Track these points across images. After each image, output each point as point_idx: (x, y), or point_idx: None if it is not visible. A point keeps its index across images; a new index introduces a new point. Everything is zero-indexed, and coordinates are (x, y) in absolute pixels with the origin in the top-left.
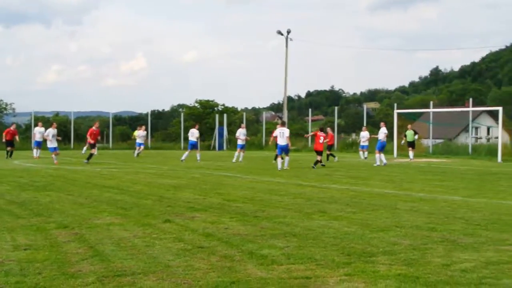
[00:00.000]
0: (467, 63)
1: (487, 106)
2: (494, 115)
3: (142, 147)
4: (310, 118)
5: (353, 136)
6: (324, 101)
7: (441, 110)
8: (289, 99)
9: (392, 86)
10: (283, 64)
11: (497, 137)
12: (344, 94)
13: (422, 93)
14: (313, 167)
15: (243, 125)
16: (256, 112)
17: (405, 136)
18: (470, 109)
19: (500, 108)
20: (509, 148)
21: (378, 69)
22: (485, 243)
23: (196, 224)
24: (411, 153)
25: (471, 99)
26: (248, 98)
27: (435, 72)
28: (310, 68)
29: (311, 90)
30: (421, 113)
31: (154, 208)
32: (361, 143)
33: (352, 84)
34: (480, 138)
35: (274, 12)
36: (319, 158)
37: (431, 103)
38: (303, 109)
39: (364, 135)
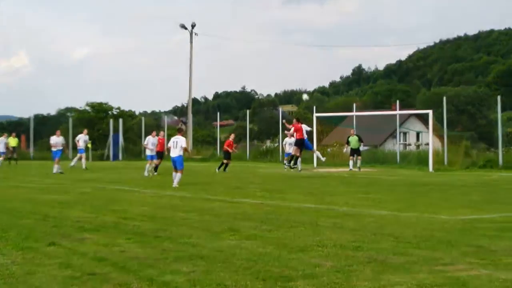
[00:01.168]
0: (393, 61)
1: (416, 109)
2: (424, 119)
3: (83, 154)
4: (218, 123)
5: (268, 143)
6: (235, 104)
7: (366, 114)
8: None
9: (310, 87)
10: (187, 62)
11: (427, 144)
12: (257, 96)
13: (344, 94)
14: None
15: (154, 132)
16: (156, 116)
17: (348, 143)
18: (398, 112)
19: (430, 111)
20: (441, 155)
21: (295, 68)
22: (417, 263)
23: (86, 247)
24: (358, 161)
25: (398, 101)
26: (148, 100)
27: (358, 71)
28: (219, 66)
29: (220, 91)
30: (344, 117)
31: (37, 228)
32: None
33: (266, 85)
34: (409, 144)
35: (177, 3)
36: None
37: (354, 105)
38: (211, 113)
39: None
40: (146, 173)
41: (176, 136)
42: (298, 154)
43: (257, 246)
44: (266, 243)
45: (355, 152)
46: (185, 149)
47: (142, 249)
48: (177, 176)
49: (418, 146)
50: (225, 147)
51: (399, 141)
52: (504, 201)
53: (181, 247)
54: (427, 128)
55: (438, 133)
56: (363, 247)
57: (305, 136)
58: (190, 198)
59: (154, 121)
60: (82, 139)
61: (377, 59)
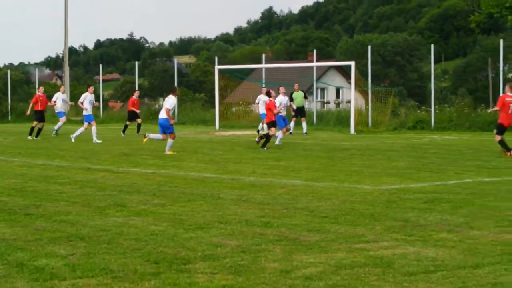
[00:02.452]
0: (310, 3)
1: (336, 60)
2: (345, 72)
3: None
4: (101, 77)
5: (161, 101)
6: (121, 55)
7: (277, 66)
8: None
9: (212, 34)
10: (62, 4)
11: (349, 101)
12: (147, 45)
13: (251, 42)
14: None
15: (62, 87)
16: (25, 69)
17: (292, 100)
18: (315, 64)
19: (352, 63)
20: (365, 115)
21: (193, 12)
22: (335, 240)
23: None
24: (303, 124)
25: (315, 51)
26: (14, 50)
27: (268, 15)
28: (101, 9)
29: (102, 39)
30: (251, 70)
31: None
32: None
33: (158, 32)
34: (328, 102)
35: None
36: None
37: (264, 56)
38: (92, 65)
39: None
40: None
41: (168, 96)
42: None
43: (148, 224)
44: (159, 220)
45: (299, 111)
46: (167, 111)
47: (10, 229)
48: (168, 142)
49: (338, 104)
50: (130, 107)
51: (316, 98)
52: (434, 169)
53: (57, 226)
54: (349, 82)
55: (361, 88)
56: (273, 223)
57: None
58: (67, 167)
59: (22, 75)
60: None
61: (291, 0)
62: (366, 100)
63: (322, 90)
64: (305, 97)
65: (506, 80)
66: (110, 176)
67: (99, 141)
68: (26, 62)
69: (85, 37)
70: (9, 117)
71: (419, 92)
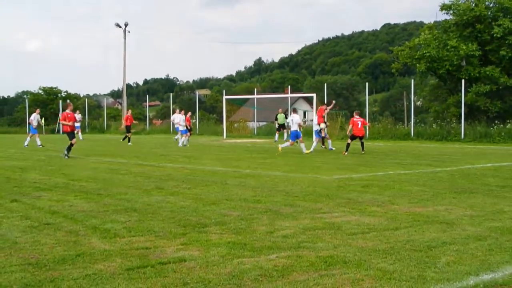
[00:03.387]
0: (286, 55)
1: (303, 93)
2: (309, 100)
3: (36, 134)
4: (147, 103)
5: (192, 120)
6: (160, 88)
7: (264, 96)
8: (128, 86)
9: (221, 75)
10: (122, 54)
11: (312, 120)
12: (178, 82)
13: (247, 81)
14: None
15: (177, 110)
16: (97, 98)
17: (276, 119)
18: (289, 95)
19: (314, 95)
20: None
21: (209, 59)
22: (302, 212)
23: (42, 203)
24: (285, 134)
25: (289, 87)
26: (90, 85)
27: (259, 62)
28: (147, 57)
29: (148, 78)
30: (247, 99)
31: (1, 188)
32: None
33: (185, 73)
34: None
35: (112, 4)
36: (349, 141)
37: (255, 90)
38: (141, 96)
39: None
40: (180, 144)
41: (293, 115)
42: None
43: (178, 200)
44: (186, 198)
45: (281, 126)
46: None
47: (87, 204)
48: (301, 145)
49: (305, 122)
50: (186, 122)
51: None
52: (370, 164)
53: (118, 202)
54: (312, 107)
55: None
56: (262, 200)
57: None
58: (125, 163)
59: (95, 102)
60: (35, 118)
61: (274, 53)
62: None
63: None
64: (286, 117)
65: (415, 107)
66: (153, 169)
67: (39, 144)
68: (98, 93)
69: (137, 76)
70: (87, 130)
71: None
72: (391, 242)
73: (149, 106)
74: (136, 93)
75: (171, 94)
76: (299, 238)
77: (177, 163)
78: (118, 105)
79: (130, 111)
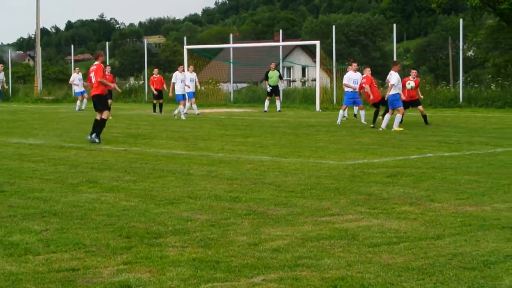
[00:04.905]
0: None
1: (302, 40)
2: (310, 51)
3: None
4: (73, 57)
5: (131, 80)
6: (92, 35)
7: (245, 46)
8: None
9: (181, 15)
10: None
11: (314, 80)
12: (117, 26)
13: (219, 23)
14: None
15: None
16: None
17: (267, 78)
18: (281, 43)
19: (317, 42)
20: (329, 93)
21: None
22: (301, 214)
23: None
24: (277, 102)
25: (281, 31)
26: None
27: None
28: None
29: (73, 20)
30: (219, 49)
31: None
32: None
33: (128, 13)
34: (294, 81)
35: None
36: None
37: (231, 36)
38: (63, 46)
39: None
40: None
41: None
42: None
43: (119, 200)
44: (130, 195)
45: (273, 91)
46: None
47: None
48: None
49: (304, 83)
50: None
51: (283, 77)
52: (397, 144)
53: (31, 203)
54: (314, 61)
55: (326, 67)
56: (241, 198)
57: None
58: (40, 146)
59: None
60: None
61: None
62: (331, 78)
63: (289, 69)
64: (280, 77)
65: (465, 58)
66: (82, 153)
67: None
68: None
69: (56, 17)
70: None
71: (382, 70)
72: (431, 257)
73: (76, 60)
74: (56, 42)
75: (107, 43)
76: (297, 252)
77: (117, 145)
78: (29, 59)
79: (156, 70)
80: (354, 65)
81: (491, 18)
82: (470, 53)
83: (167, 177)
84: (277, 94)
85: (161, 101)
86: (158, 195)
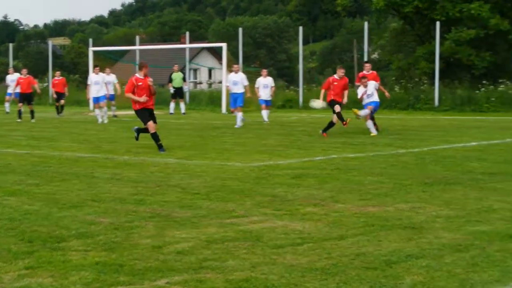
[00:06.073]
0: None
1: (209, 42)
2: (217, 53)
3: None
4: None
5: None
6: None
7: (151, 47)
8: None
9: (86, 16)
10: None
11: (220, 82)
12: (21, 27)
13: (126, 25)
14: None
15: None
16: None
17: (171, 80)
18: (187, 46)
19: (224, 45)
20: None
21: None
22: (206, 216)
23: None
24: (181, 105)
25: (187, 33)
26: None
27: None
28: None
29: None
30: (125, 51)
31: None
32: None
33: (32, 14)
34: (200, 83)
35: None
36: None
37: (138, 38)
38: None
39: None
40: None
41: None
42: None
43: (22, 203)
44: (33, 199)
45: (177, 93)
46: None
47: None
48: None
49: (210, 85)
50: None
51: (189, 78)
52: (302, 146)
53: None
54: (221, 63)
55: (232, 69)
56: (146, 201)
57: None
58: None
59: None
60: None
61: None
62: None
63: (195, 71)
64: (184, 79)
65: (370, 61)
66: None
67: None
68: None
69: None
70: None
71: (287, 73)
72: (334, 257)
73: None
74: None
75: (10, 45)
76: (201, 254)
77: (20, 148)
78: None
79: (58, 73)
80: (264, 71)
81: (395, 21)
82: (375, 55)
83: (71, 180)
84: (181, 96)
85: (62, 102)
86: (61, 198)
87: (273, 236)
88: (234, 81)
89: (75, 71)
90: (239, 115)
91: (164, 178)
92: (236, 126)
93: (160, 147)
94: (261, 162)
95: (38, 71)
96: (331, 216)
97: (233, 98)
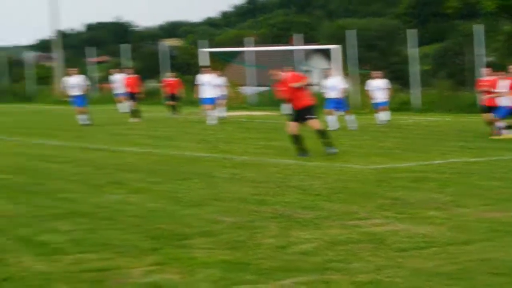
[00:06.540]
0: None
1: (318, 44)
2: (328, 55)
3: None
4: (95, 59)
5: (149, 83)
6: (110, 37)
7: (261, 49)
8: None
9: (198, 18)
10: None
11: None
12: (135, 28)
13: (236, 26)
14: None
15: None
16: (17, 51)
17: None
18: (296, 47)
19: (336, 47)
20: (349, 97)
21: None
22: (328, 217)
23: None
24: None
25: (296, 35)
26: (6, 33)
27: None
28: None
29: (92, 22)
30: (237, 53)
31: None
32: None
33: (145, 15)
34: (313, 84)
35: None
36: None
37: (249, 39)
38: (82, 48)
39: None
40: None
41: None
42: None
43: (146, 201)
44: (156, 197)
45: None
46: None
47: (13, 205)
48: None
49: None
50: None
51: None
52: (419, 149)
53: (58, 203)
54: (332, 66)
55: (345, 72)
56: (267, 201)
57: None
58: (63, 147)
59: (13, 58)
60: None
61: None
62: (353, 82)
63: (308, 72)
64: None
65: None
66: (107, 155)
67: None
68: (18, 45)
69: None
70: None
71: (401, 75)
72: (460, 262)
73: (94, 62)
74: (75, 45)
75: (126, 45)
76: (326, 255)
77: (141, 147)
78: (47, 61)
79: (170, 74)
80: (377, 73)
81: (508, 24)
82: (490, 58)
83: (191, 179)
84: None
85: (175, 103)
86: (183, 197)
87: (397, 239)
88: (331, 86)
89: (188, 72)
90: (331, 118)
91: (284, 179)
92: (331, 129)
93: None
94: (379, 165)
95: (151, 71)
96: (454, 221)
97: (330, 101)
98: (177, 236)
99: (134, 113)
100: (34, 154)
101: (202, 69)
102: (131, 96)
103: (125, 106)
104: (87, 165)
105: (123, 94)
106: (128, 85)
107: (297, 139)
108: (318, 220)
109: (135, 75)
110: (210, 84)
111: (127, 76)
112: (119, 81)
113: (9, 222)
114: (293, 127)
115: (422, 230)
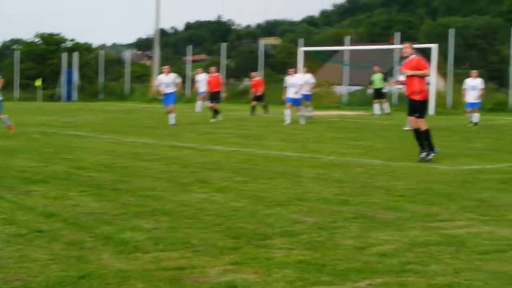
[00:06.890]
0: None
1: (419, 43)
2: (427, 54)
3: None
4: (190, 57)
5: (246, 81)
6: (209, 36)
7: (361, 48)
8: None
9: (297, 17)
10: None
11: (429, 83)
12: (234, 27)
13: (336, 25)
14: None
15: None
16: (117, 50)
17: (371, 82)
18: (395, 46)
19: (434, 46)
20: (444, 97)
21: None
22: (410, 219)
23: (33, 201)
24: (384, 106)
25: (397, 34)
26: (106, 31)
27: None
28: None
29: (192, 21)
30: (335, 52)
31: None
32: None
33: (245, 14)
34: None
35: None
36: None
37: (347, 38)
38: (181, 47)
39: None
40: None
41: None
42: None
43: (229, 200)
44: (240, 196)
45: (378, 94)
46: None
47: (97, 203)
48: None
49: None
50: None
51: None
52: (511, 150)
53: (142, 201)
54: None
55: (441, 71)
56: (350, 201)
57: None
58: (153, 145)
59: (115, 56)
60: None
61: None
62: (447, 82)
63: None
64: (385, 79)
65: None
66: (194, 153)
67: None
68: (119, 43)
69: (175, 18)
70: (101, 96)
71: (499, 75)
72: None
73: (193, 61)
74: (174, 43)
75: (224, 44)
76: (404, 257)
77: (228, 146)
78: (146, 59)
79: (255, 73)
80: (475, 72)
81: None
82: None
83: (277, 178)
84: (382, 97)
85: (261, 103)
86: (267, 196)
87: (478, 242)
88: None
89: (285, 71)
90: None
91: (369, 179)
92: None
93: (429, 148)
94: (468, 166)
95: (249, 70)
96: None
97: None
98: (258, 235)
99: (214, 113)
100: (124, 152)
101: (289, 70)
102: (213, 95)
103: (199, 105)
104: (175, 163)
105: (203, 93)
106: (209, 84)
107: (419, 134)
108: (399, 222)
109: (217, 74)
110: (295, 85)
111: (210, 75)
112: (202, 80)
113: (93, 219)
114: (412, 121)
115: (506, 233)
